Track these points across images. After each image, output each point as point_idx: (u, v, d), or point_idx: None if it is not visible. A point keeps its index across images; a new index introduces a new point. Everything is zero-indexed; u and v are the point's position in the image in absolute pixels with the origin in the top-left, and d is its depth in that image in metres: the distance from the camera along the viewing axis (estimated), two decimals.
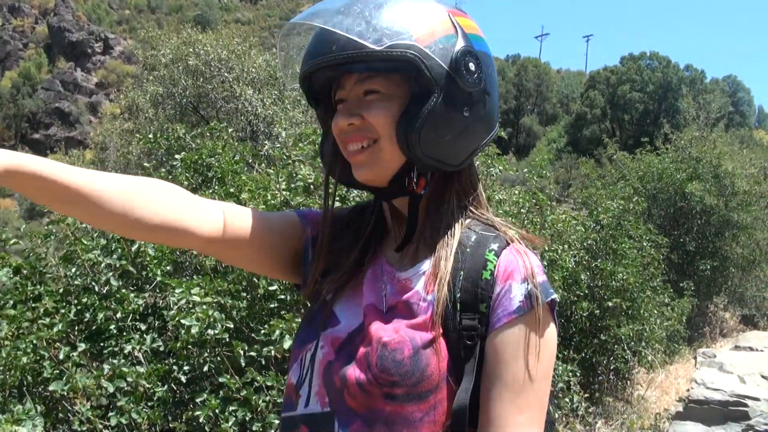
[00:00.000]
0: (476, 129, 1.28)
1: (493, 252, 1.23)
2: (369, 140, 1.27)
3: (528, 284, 1.19)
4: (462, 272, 1.22)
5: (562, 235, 6.97)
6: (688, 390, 5.74)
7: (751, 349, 6.65)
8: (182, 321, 3.23)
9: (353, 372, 1.20)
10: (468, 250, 1.24)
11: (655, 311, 7.48)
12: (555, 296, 1.22)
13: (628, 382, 7.27)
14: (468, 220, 1.31)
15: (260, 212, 1.43)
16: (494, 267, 1.21)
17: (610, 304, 6.50)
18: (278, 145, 6.24)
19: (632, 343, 6.80)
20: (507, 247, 1.24)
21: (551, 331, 1.21)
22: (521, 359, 1.16)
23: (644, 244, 8.07)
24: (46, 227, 4.35)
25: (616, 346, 6.68)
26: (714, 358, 6.23)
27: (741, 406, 5.14)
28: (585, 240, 7.26)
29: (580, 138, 51.04)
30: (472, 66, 1.24)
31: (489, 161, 4.77)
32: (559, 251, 6.58)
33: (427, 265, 1.26)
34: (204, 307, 3.26)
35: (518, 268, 1.20)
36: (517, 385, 1.15)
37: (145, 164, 5.53)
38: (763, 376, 5.64)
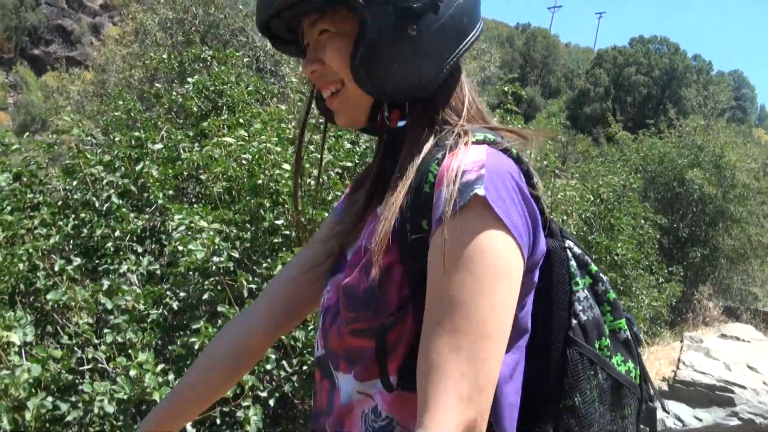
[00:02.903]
0: (434, 43, 1.13)
1: (437, 161, 1.08)
2: (336, 84, 1.19)
3: (451, 186, 1.01)
4: (411, 190, 1.09)
5: (560, 206, 6.94)
6: (673, 371, 5.76)
7: (737, 338, 6.67)
8: (189, 246, 3.15)
9: (338, 315, 1.16)
10: (420, 164, 1.11)
11: (645, 291, 7.50)
12: (478, 191, 1.00)
13: None
14: (443, 134, 1.15)
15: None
16: (434, 177, 1.06)
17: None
18: (283, 84, 6.14)
19: None
20: (452, 151, 1.08)
21: (486, 238, 1.00)
22: (445, 274, 0.99)
23: (642, 222, 8.05)
24: (50, 136, 4.24)
25: None
26: (701, 343, 6.25)
27: (727, 392, 5.16)
28: (583, 212, 7.22)
29: (580, 115, 50.81)
30: None
31: (507, 118, 4.68)
32: (559, 221, 6.55)
33: None
34: (211, 233, 3.19)
35: (448, 171, 1.04)
36: (439, 304, 0.99)
37: (157, 84, 5.41)
38: (749, 367, 5.65)
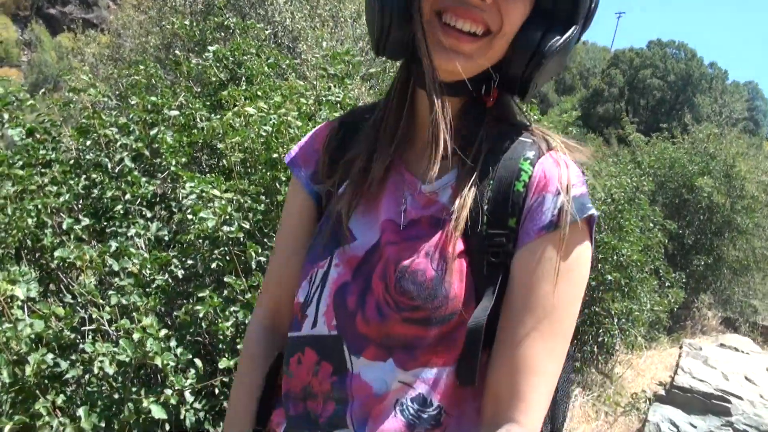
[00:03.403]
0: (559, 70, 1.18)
1: (529, 161, 1.08)
2: (484, 28, 1.07)
3: (562, 197, 1.04)
4: (492, 182, 1.07)
5: None
6: (671, 376, 5.75)
7: (736, 349, 6.65)
8: (201, 214, 3.12)
9: (370, 296, 1.09)
10: (501, 157, 1.09)
11: (648, 294, 7.48)
12: (593, 212, 1.06)
13: (610, 357, 7.30)
14: (506, 126, 1.16)
15: (287, 246, 1.33)
16: (528, 177, 1.07)
17: (610, 277, 6.46)
18: (298, 61, 6.10)
19: (622, 320, 6.80)
20: (544, 155, 1.10)
21: (585, 252, 1.07)
22: (548, 281, 1.02)
23: (651, 225, 8.02)
24: (66, 94, 4.20)
25: (606, 320, 6.67)
26: (700, 351, 6.23)
27: (724, 402, 5.15)
28: None
29: (593, 114, 50.51)
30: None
31: (527, 107, 4.64)
32: None
33: (454, 177, 1.12)
34: (223, 202, 3.16)
35: (554, 179, 1.06)
36: (541, 310, 1.02)
37: (177, 52, 5.37)
38: (747, 378, 5.63)
